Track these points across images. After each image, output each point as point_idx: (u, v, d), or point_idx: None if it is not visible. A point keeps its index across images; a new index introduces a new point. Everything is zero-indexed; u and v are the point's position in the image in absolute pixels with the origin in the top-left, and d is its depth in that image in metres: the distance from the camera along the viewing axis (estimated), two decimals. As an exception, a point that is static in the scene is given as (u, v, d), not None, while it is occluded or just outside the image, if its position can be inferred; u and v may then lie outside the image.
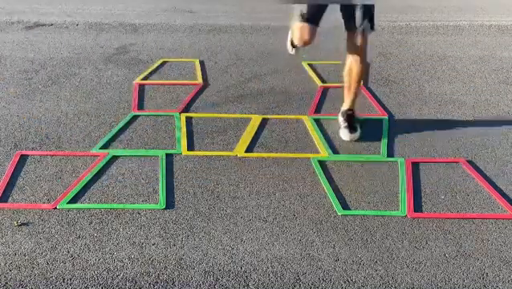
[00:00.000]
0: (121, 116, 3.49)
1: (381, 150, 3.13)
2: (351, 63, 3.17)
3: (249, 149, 3.14)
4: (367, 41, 3.12)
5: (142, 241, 2.43)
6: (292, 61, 4.32)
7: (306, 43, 3.05)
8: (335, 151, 3.13)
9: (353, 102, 3.29)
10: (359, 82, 3.24)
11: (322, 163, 3.00)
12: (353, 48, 3.14)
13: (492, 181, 2.85)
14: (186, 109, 3.59)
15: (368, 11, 3.00)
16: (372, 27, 3.08)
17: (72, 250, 2.37)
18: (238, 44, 4.75)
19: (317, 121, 3.43)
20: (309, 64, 4.29)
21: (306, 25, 2.97)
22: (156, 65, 4.28)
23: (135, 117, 3.48)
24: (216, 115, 3.52)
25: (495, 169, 2.96)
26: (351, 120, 3.26)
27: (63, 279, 2.22)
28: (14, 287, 2.18)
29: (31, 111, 3.54)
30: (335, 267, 2.29)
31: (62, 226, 2.51)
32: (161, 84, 3.97)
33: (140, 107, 3.63)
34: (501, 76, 4.13)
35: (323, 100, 3.73)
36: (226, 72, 4.18)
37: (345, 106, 3.32)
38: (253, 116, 3.48)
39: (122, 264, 2.30)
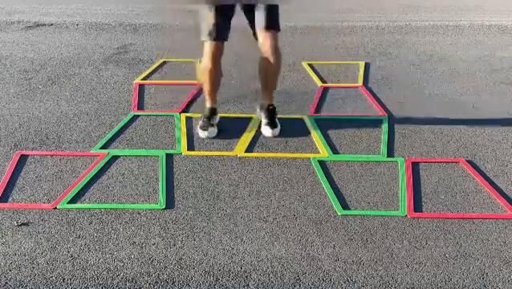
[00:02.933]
0: (121, 115, 3.49)
1: (381, 150, 3.13)
2: (264, 61, 3.16)
3: (249, 149, 3.14)
4: (277, 40, 3.13)
5: (142, 241, 2.43)
6: (292, 61, 4.32)
7: (215, 59, 3.13)
8: (335, 151, 3.13)
9: (271, 96, 3.33)
10: (275, 77, 3.26)
11: (322, 163, 3.00)
12: (263, 49, 3.14)
13: (492, 181, 2.85)
14: (186, 109, 3.59)
15: (271, 12, 3.05)
16: (277, 27, 3.12)
17: (72, 250, 2.37)
18: (238, 44, 4.74)
19: (317, 121, 3.43)
20: (309, 64, 4.29)
21: (215, 43, 3.09)
22: (156, 65, 4.29)
23: (135, 117, 3.48)
24: (216, 115, 3.52)
25: (495, 169, 2.96)
26: (273, 116, 3.30)
27: (63, 279, 2.22)
28: (14, 287, 2.18)
29: (31, 111, 3.54)
30: (335, 267, 2.29)
31: (62, 226, 2.51)
32: (161, 84, 3.97)
33: (140, 107, 3.63)
34: (501, 76, 4.13)
35: (323, 100, 3.73)
36: (226, 72, 4.17)
37: (264, 101, 3.34)
38: (253, 116, 3.48)
39: (122, 264, 2.30)
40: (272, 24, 3.09)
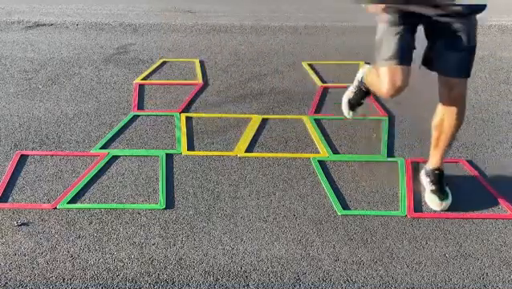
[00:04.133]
0: (121, 115, 3.49)
1: (381, 150, 3.13)
2: (444, 114, 2.58)
3: (249, 149, 3.14)
4: (466, 87, 2.55)
5: (142, 241, 2.43)
6: (292, 61, 4.32)
7: (399, 90, 2.46)
8: (335, 151, 3.13)
9: (442, 159, 2.73)
10: (451, 137, 2.65)
11: (322, 163, 3.00)
12: (447, 97, 2.55)
13: (492, 181, 2.85)
14: (186, 109, 3.59)
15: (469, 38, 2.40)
16: (468, 73, 2.50)
17: (72, 250, 2.37)
18: (238, 44, 4.74)
19: (317, 121, 3.43)
20: (309, 64, 4.29)
21: (398, 67, 2.42)
22: (156, 65, 4.28)
23: (135, 117, 3.48)
24: (216, 115, 3.52)
25: (495, 169, 2.96)
26: (441, 182, 2.70)
27: (63, 279, 2.21)
28: (14, 287, 2.18)
29: (31, 111, 3.54)
30: (335, 267, 2.29)
31: (62, 226, 2.51)
32: (161, 84, 3.97)
33: (140, 107, 3.63)
34: (501, 76, 4.13)
35: (323, 100, 3.73)
36: (226, 72, 4.18)
37: (430, 164, 2.75)
38: (253, 116, 3.48)
39: (122, 264, 2.30)
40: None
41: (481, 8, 2.38)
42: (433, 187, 2.67)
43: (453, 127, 2.60)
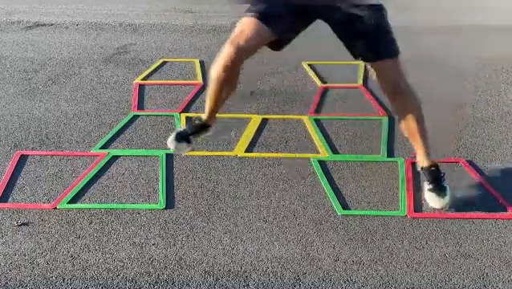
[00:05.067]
0: (121, 115, 3.49)
1: (381, 150, 3.13)
2: (394, 111, 2.59)
3: (249, 149, 3.14)
4: (399, 69, 2.46)
5: (142, 241, 2.43)
6: (292, 61, 4.32)
7: (241, 49, 2.35)
8: (335, 151, 3.13)
9: (428, 153, 2.64)
10: (420, 127, 2.58)
11: (322, 163, 3.00)
12: (385, 87, 2.53)
13: (492, 181, 2.85)
14: (186, 109, 3.59)
15: (377, 26, 2.39)
16: (395, 51, 2.44)
17: (72, 250, 2.37)
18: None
19: (317, 121, 3.43)
20: (309, 64, 4.29)
21: (254, 20, 2.35)
22: (156, 65, 4.28)
23: (135, 117, 3.48)
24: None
25: (495, 169, 2.96)
26: (439, 179, 2.63)
27: (63, 279, 2.22)
28: (14, 287, 2.18)
29: (31, 111, 3.54)
30: (335, 267, 2.29)
31: (62, 226, 2.51)
32: (161, 84, 3.97)
33: (140, 107, 3.63)
34: (501, 76, 4.13)
35: (323, 100, 3.73)
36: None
37: (421, 163, 2.67)
38: (253, 116, 3.48)
39: (122, 264, 2.30)
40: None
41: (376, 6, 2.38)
42: (430, 186, 2.63)
43: (411, 121, 2.53)
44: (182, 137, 2.71)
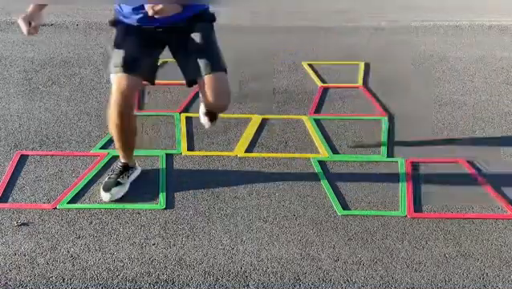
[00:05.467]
0: (121, 116, 3.49)
1: (381, 150, 3.13)
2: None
3: (249, 149, 3.14)
4: (223, 84, 2.57)
5: (142, 241, 2.43)
6: (292, 61, 4.32)
7: (126, 97, 2.47)
8: (335, 151, 3.13)
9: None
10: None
11: (322, 163, 3.00)
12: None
13: (492, 181, 2.85)
14: (186, 109, 3.59)
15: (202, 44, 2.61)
16: (218, 66, 2.56)
17: (72, 250, 2.37)
18: (238, 44, 4.74)
19: (317, 121, 3.43)
20: (309, 64, 4.29)
21: (124, 75, 2.45)
22: (156, 65, 4.27)
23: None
24: (216, 115, 3.52)
25: (495, 169, 2.96)
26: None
27: (63, 279, 2.22)
28: (14, 287, 2.18)
29: (31, 111, 3.54)
30: (335, 267, 2.29)
31: (62, 226, 2.51)
32: (161, 84, 3.97)
33: (140, 107, 3.63)
34: (501, 76, 4.13)
35: (323, 100, 3.73)
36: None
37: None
38: (253, 116, 3.48)
39: (122, 264, 2.30)
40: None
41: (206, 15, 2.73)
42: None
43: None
44: (112, 185, 2.70)
